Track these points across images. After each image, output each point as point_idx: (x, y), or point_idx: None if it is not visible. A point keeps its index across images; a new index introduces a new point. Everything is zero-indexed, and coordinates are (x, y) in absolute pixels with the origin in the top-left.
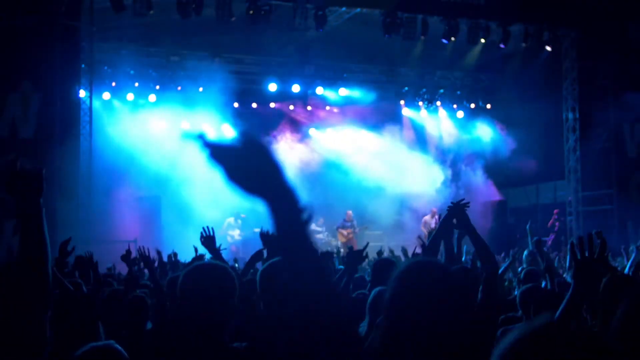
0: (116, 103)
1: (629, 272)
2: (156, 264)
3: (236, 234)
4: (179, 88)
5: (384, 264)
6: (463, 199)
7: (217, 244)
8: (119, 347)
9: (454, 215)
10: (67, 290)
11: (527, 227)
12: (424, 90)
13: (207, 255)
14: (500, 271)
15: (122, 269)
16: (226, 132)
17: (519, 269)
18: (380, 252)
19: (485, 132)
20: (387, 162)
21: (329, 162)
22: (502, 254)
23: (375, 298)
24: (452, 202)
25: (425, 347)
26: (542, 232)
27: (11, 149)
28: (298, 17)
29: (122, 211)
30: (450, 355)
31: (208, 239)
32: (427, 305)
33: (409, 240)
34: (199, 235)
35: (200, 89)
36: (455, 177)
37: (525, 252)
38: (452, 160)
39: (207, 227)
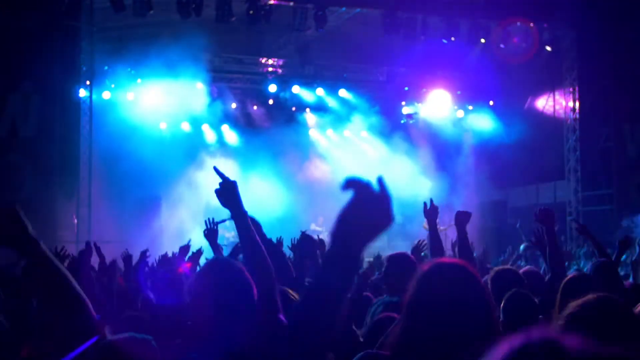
0: (116, 103)
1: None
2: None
3: (231, 235)
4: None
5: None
6: (431, 200)
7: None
8: (155, 345)
9: (433, 218)
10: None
11: (517, 226)
12: (424, 90)
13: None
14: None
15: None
16: (226, 133)
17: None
18: (378, 257)
19: (484, 132)
20: (387, 163)
21: (328, 162)
22: (507, 250)
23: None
24: (426, 204)
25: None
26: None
27: (11, 149)
28: (298, 17)
29: (121, 211)
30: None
31: (211, 232)
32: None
33: (409, 241)
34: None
35: (200, 89)
36: (455, 177)
37: (522, 246)
38: (452, 160)
39: (211, 219)
